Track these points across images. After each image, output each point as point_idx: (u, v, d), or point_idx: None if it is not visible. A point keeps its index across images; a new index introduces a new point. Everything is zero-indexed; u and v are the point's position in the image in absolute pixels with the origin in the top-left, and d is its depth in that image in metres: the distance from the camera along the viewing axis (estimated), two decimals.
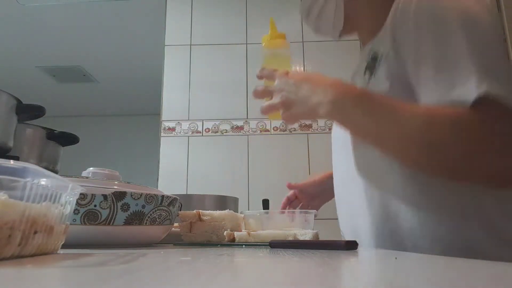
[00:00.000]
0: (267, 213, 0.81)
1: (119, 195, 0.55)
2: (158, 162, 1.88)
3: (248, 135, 1.89)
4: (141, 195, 0.58)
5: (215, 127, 1.91)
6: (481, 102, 0.47)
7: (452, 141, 0.50)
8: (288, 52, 0.79)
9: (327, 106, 0.56)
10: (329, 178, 0.91)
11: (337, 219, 0.83)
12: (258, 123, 1.90)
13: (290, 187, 0.97)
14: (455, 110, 0.49)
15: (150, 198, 0.59)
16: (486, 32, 0.53)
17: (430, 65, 0.54)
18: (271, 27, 0.78)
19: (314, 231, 0.65)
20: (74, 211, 0.52)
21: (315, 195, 0.97)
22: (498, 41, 0.55)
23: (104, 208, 0.54)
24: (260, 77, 0.70)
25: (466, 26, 0.52)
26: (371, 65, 0.66)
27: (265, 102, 0.68)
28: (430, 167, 0.54)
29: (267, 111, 0.66)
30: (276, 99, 0.64)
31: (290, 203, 0.97)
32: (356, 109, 0.55)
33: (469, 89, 0.48)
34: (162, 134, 1.91)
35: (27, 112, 0.69)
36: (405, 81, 0.58)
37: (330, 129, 1.89)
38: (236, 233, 0.68)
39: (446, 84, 0.51)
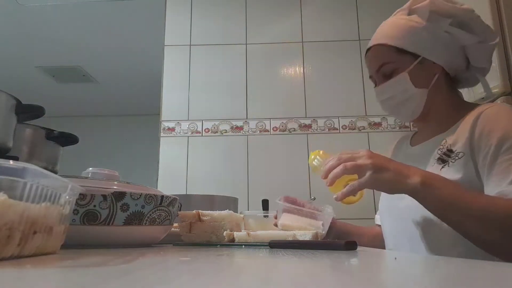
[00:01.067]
0: (266, 216, 0.81)
1: (119, 195, 0.55)
2: (158, 162, 1.88)
3: (247, 135, 1.89)
4: (140, 195, 0.58)
5: (214, 127, 1.91)
6: None
7: (508, 225, 0.63)
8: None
9: (419, 178, 0.67)
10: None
11: (342, 218, 0.84)
12: (257, 123, 1.90)
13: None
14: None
15: (149, 198, 0.59)
16: None
17: (499, 171, 0.70)
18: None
19: (314, 231, 0.65)
20: (73, 211, 0.52)
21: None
22: None
23: (104, 208, 0.54)
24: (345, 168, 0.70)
25: None
26: (445, 157, 0.79)
27: (348, 184, 0.69)
28: (485, 241, 0.67)
29: (357, 189, 0.69)
30: (368, 169, 0.67)
31: None
32: (441, 185, 0.67)
33: None
34: (161, 134, 1.91)
35: (27, 112, 0.69)
36: (471, 175, 0.74)
37: (329, 129, 1.89)
38: (235, 233, 0.68)
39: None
